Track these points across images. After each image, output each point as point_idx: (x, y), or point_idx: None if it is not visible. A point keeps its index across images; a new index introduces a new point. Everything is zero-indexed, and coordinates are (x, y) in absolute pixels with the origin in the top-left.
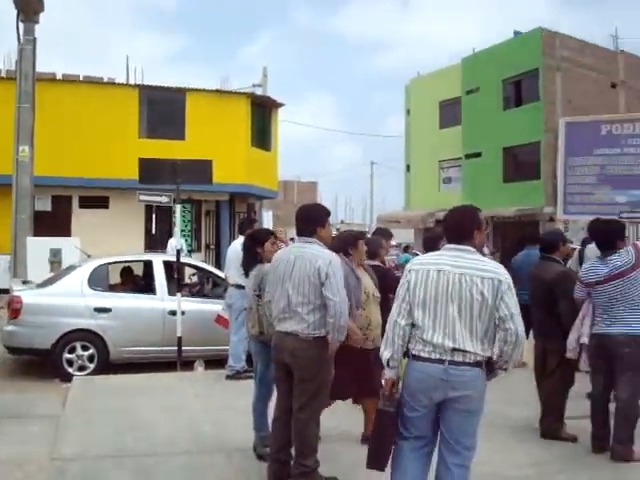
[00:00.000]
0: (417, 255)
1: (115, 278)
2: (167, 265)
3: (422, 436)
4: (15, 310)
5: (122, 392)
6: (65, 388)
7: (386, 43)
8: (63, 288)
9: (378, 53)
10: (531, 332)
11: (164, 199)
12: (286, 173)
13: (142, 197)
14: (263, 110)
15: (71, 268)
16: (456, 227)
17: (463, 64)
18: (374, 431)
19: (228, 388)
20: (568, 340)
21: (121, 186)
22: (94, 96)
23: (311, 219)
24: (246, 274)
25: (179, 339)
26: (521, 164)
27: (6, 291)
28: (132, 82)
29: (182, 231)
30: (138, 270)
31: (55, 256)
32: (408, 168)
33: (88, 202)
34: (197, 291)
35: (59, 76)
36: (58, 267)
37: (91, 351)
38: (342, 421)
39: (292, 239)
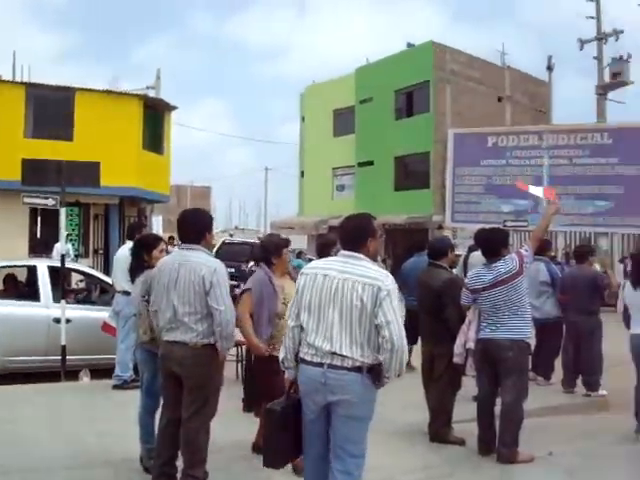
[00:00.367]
0: (311, 260)
1: None
2: (52, 271)
3: (318, 441)
4: None
5: (2, 404)
6: None
7: (283, 50)
8: None
9: (275, 60)
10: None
11: (50, 202)
12: (179, 177)
13: (26, 199)
14: (155, 113)
15: None
16: (350, 234)
17: (357, 74)
18: (264, 430)
19: (114, 398)
20: (455, 345)
21: (4, 187)
22: None
23: (195, 225)
24: (132, 280)
25: (63, 348)
26: (412, 173)
27: None
28: (18, 80)
29: (69, 235)
30: (22, 276)
31: None
32: (302, 175)
33: None
34: (84, 298)
35: None
36: None
37: None
38: (233, 429)
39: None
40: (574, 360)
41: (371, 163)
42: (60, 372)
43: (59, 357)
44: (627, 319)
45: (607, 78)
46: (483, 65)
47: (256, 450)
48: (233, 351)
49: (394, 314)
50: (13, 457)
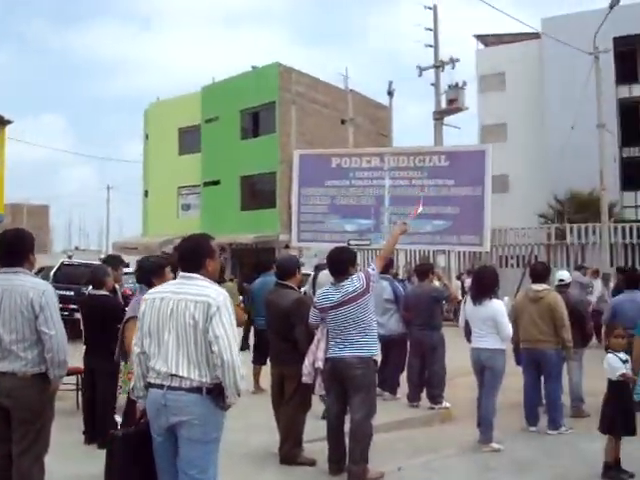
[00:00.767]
0: None
1: None
2: None
3: (171, 468)
4: None
5: None
6: None
7: (127, 66)
8: None
9: (119, 75)
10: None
11: None
12: (15, 195)
13: None
14: None
15: None
16: (187, 256)
17: (203, 93)
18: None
19: None
20: (304, 365)
21: None
22: None
23: (17, 246)
24: None
25: None
26: (258, 193)
27: None
28: None
29: None
30: None
31: None
32: (146, 194)
33: None
34: None
35: None
36: None
37: None
38: (72, 464)
39: None
40: (419, 374)
41: (217, 182)
42: None
43: None
44: (468, 333)
45: (444, 104)
46: (327, 88)
47: None
48: (72, 379)
49: (224, 329)
50: None
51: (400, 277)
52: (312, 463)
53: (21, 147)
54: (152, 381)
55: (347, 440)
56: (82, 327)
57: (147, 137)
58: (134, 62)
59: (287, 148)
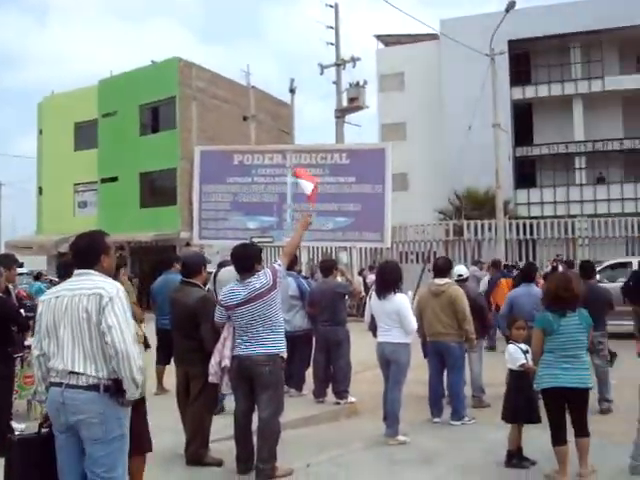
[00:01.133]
0: (51, 282)
1: None
2: None
3: (73, 471)
4: None
5: None
6: None
7: (18, 58)
8: None
9: (10, 67)
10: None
11: None
12: None
13: None
14: None
15: None
16: (82, 253)
17: (100, 86)
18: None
19: None
20: (210, 364)
21: None
22: None
23: None
24: None
25: None
26: (158, 189)
27: None
28: None
29: None
30: None
31: None
32: (40, 191)
33: None
34: None
35: None
36: None
37: None
38: None
39: None
40: (324, 370)
41: (115, 179)
42: None
43: None
44: (373, 328)
45: (345, 102)
46: (229, 84)
47: None
48: None
49: (116, 319)
50: None
51: (303, 274)
52: (219, 463)
53: None
54: (52, 380)
55: (255, 438)
56: None
57: (41, 132)
58: (29, 55)
59: (188, 144)
